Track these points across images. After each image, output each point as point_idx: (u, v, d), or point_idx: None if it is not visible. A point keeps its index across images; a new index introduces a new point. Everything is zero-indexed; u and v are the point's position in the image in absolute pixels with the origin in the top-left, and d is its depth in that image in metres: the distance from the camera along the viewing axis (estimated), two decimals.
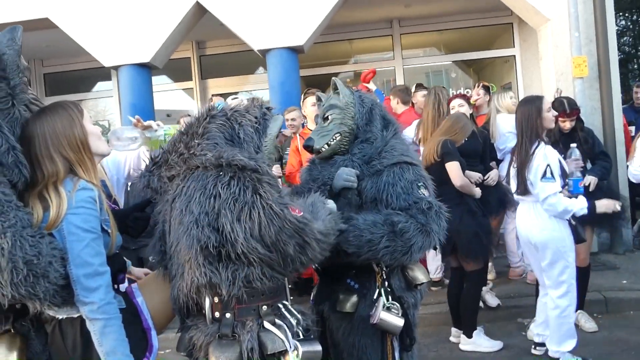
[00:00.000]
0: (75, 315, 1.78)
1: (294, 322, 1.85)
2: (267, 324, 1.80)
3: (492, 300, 4.54)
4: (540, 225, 3.36)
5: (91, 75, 8.52)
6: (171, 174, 1.88)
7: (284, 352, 1.77)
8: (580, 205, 3.28)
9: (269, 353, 1.75)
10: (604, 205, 3.36)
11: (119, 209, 2.23)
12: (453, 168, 3.71)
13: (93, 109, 9.07)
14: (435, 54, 8.86)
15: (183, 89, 8.77)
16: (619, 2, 6.16)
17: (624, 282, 4.85)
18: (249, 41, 6.22)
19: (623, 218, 4.25)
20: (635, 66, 12.38)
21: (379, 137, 2.35)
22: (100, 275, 1.72)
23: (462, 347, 3.97)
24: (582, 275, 3.81)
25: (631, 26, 12.06)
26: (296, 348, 1.80)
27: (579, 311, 3.96)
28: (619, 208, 3.42)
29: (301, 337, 1.85)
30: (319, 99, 2.60)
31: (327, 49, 8.16)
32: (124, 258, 2.04)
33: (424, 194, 2.26)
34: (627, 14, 12.62)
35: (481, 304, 4.29)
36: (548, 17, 5.96)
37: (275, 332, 1.78)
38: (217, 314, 1.79)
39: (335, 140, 2.35)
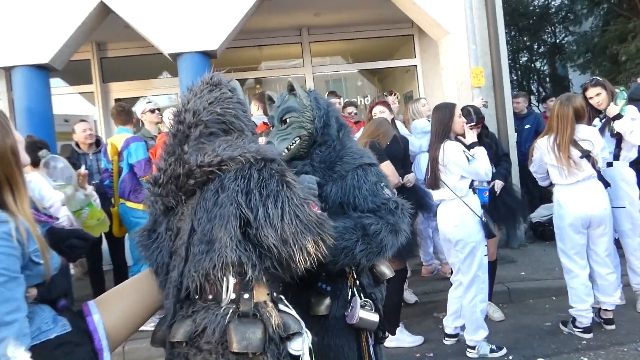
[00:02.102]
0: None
1: (294, 312, 1.87)
2: (282, 307, 1.82)
3: (410, 297, 4.78)
4: (453, 221, 3.68)
5: None
6: (192, 192, 1.85)
7: (295, 335, 1.79)
8: (485, 167, 3.69)
9: (290, 332, 1.76)
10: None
11: (55, 228, 2.04)
12: (388, 168, 3.89)
13: None
14: (342, 62, 9.13)
15: (82, 93, 8.24)
16: None
17: (523, 273, 5.34)
18: (159, 44, 6.01)
19: (524, 215, 4.68)
20: (515, 77, 13.63)
21: (336, 140, 2.37)
22: (6, 325, 1.45)
23: (386, 344, 4.10)
24: (491, 269, 4.13)
25: (510, 41, 13.23)
26: (307, 332, 1.83)
27: (488, 302, 4.30)
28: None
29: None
30: (270, 99, 2.57)
31: (237, 54, 8.10)
32: (66, 278, 1.88)
33: (388, 194, 2.29)
34: (506, 30, 13.82)
35: None
36: (448, 30, 6.40)
37: (292, 313, 1.81)
38: (233, 295, 1.75)
39: (295, 144, 2.33)
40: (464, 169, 3.64)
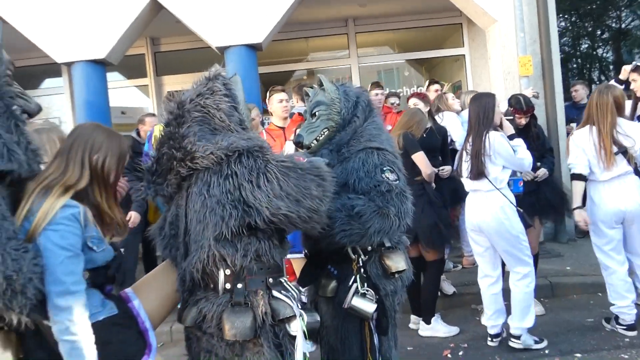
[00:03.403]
0: None
1: (295, 295, 1.99)
2: (275, 293, 1.93)
3: (448, 287, 4.77)
4: (493, 213, 3.58)
5: (39, 71, 8.27)
6: (181, 178, 1.97)
7: (291, 318, 1.92)
8: (527, 158, 3.64)
9: (280, 318, 1.88)
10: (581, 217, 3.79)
11: None
12: (420, 158, 3.90)
13: (45, 106, 8.81)
14: (389, 53, 9.08)
15: (137, 86, 8.63)
16: (559, 4, 6.51)
17: (568, 268, 5.20)
18: (207, 38, 6.21)
19: (567, 208, 4.54)
20: (575, 65, 13.08)
21: (356, 126, 2.46)
22: (72, 294, 1.70)
23: (421, 333, 4.17)
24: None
25: (570, 27, 12.71)
26: (302, 315, 1.96)
27: None
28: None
29: (301, 308, 2.00)
30: (306, 94, 2.71)
31: (283, 46, 8.23)
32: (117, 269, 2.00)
33: (387, 178, 2.33)
34: (566, 16, 13.28)
35: None
36: (495, 18, 6.25)
37: (284, 299, 1.92)
38: (228, 285, 1.90)
39: (323, 136, 2.48)
40: (509, 160, 3.58)
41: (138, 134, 5.81)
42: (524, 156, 3.60)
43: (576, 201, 3.84)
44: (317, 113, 2.51)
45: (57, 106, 8.50)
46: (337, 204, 2.21)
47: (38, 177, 1.82)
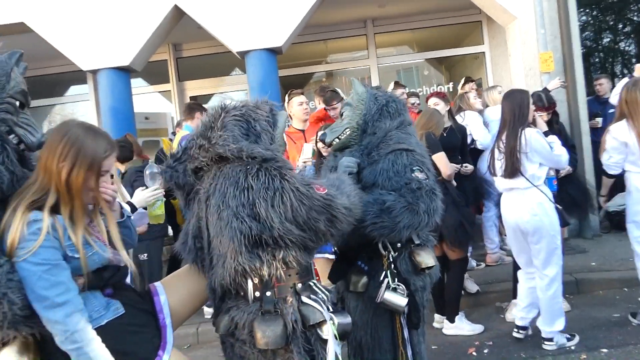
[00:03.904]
0: None
1: (325, 297, 2.02)
2: (305, 299, 1.96)
3: (471, 286, 4.77)
4: (532, 210, 3.55)
5: (64, 79, 8.49)
6: (194, 166, 2.01)
7: (322, 323, 1.94)
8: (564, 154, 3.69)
9: (310, 324, 1.91)
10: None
11: None
12: (440, 158, 3.92)
13: (66, 113, 9.05)
14: (408, 52, 9.09)
15: (160, 92, 8.80)
16: None
17: (593, 264, 5.16)
18: (228, 43, 6.32)
19: (591, 205, 4.52)
20: (597, 60, 12.90)
21: (384, 130, 2.52)
22: (59, 306, 1.68)
23: (445, 331, 4.18)
24: None
25: (592, 21, 12.56)
26: (332, 319, 1.97)
27: None
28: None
29: (332, 310, 2.02)
30: (334, 91, 2.79)
31: (303, 49, 8.30)
32: (115, 271, 1.95)
33: (417, 177, 2.40)
34: (587, 10, 13.11)
35: None
36: (515, 15, 6.23)
37: (314, 305, 1.95)
38: (257, 294, 1.92)
39: (345, 135, 2.58)
40: (546, 156, 3.56)
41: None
42: (560, 152, 3.60)
43: (604, 191, 4.09)
44: (343, 114, 2.64)
45: (83, 113, 8.71)
46: (369, 198, 2.28)
47: (18, 192, 1.81)
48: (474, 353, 3.80)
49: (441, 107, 4.50)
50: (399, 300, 2.34)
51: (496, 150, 3.69)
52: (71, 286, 1.74)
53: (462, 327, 4.15)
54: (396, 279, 2.42)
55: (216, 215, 1.88)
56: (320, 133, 2.74)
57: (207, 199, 1.95)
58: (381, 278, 2.43)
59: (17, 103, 1.88)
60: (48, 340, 1.80)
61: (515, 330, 3.90)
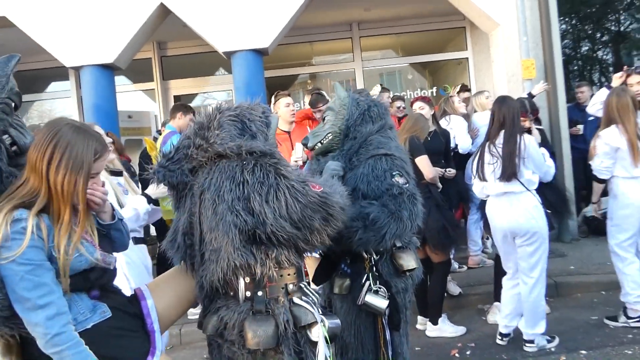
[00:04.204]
0: None
1: (315, 299, 2.03)
2: (296, 299, 1.96)
3: (454, 288, 4.84)
4: (528, 214, 3.60)
5: (45, 75, 8.36)
6: (192, 166, 1.99)
7: (312, 325, 1.94)
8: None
9: (301, 325, 1.91)
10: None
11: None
12: (423, 161, 3.97)
13: (44, 109, 8.93)
14: (393, 56, 9.17)
15: (144, 90, 8.72)
16: (559, 7, 6.58)
17: (572, 267, 5.28)
18: (214, 43, 6.30)
19: (569, 210, 4.62)
20: (576, 67, 13.17)
21: (365, 134, 2.55)
22: (41, 308, 1.64)
23: (428, 333, 4.23)
24: None
25: (571, 30, 12.82)
26: (323, 321, 1.97)
27: None
28: None
29: (321, 312, 2.02)
30: (320, 94, 2.82)
31: (288, 50, 8.31)
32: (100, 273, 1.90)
33: (397, 182, 2.43)
34: (566, 19, 13.36)
35: None
36: (498, 22, 6.34)
37: (305, 306, 1.95)
38: (248, 293, 1.91)
39: (327, 139, 2.60)
40: (538, 165, 3.63)
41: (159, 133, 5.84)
42: (550, 164, 3.71)
43: (595, 198, 4.24)
44: (325, 118, 2.67)
45: (63, 109, 8.60)
46: (353, 212, 2.29)
47: (8, 190, 1.78)
48: (457, 354, 3.85)
49: (426, 111, 4.56)
50: (380, 302, 2.38)
51: (487, 155, 3.70)
52: (54, 288, 1.70)
53: (444, 329, 4.20)
54: (377, 282, 2.46)
55: (211, 210, 1.87)
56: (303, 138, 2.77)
57: (201, 194, 1.93)
58: (363, 281, 2.46)
59: (13, 104, 1.88)
60: (30, 342, 1.75)
61: (499, 337, 3.92)
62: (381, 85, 6.29)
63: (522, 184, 3.62)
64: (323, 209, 1.87)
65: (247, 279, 1.91)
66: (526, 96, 5.24)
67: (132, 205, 2.97)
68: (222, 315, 1.93)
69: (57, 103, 8.74)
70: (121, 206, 2.96)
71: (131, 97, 8.57)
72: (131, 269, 2.97)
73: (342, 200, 2.00)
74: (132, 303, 2.02)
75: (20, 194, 1.73)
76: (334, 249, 2.34)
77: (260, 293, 1.92)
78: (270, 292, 1.93)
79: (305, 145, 2.68)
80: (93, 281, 1.84)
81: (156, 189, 2.87)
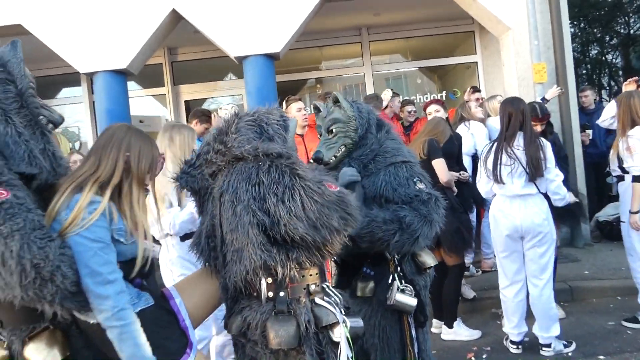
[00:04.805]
0: None
1: (338, 300, 2.04)
2: (318, 300, 1.97)
3: (468, 292, 4.83)
4: (542, 215, 3.62)
5: (57, 81, 8.42)
6: (212, 170, 2.02)
7: (334, 325, 1.95)
8: (569, 195, 3.76)
9: (323, 325, 1.92)
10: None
11: None
12: (440, 164, 3.98)
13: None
14: (402, 60, 9.18)
15: (154, 95, 8.77)
16: (569, 10, 6.58)
17: (586, 272, 5.25)
18: (226, 48, 6.33)
19: (583, 215, 4.61)
20: (584, 71, 13.13)
21: (374, 141, 2.59)
22: (110, 283, 1.77)
23: (443, 337, 4.23)
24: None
25: (579, 33, 12.79)
26: (345, 321, 1.98)
27: None
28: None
29: (344, 313, 2.03)
30: (316, 109, 2.82)
31: (299, 55, 8.33)
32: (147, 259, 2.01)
33: (421, 188, 2.50)
34: (575, 22, 13.33)
35: None
36: (509, 26, 6.34)
37: (327, 306, 1.96)
38: (270, 294, 1.93)
39: (341, 152, 2.61)
40: (549, 169, 3.61)
41: None
42: (559, 173, 3.67)
43: (636, 205, 3.91)
44: (334, 130, 2.63)
45: (76, 115, 8.66)
46: (385, 215, 2.35)
47: (72, 175, 1.91)
48: (473, 358, 3.85)
49: (441, 113, 4.57)
50: (410, 300, 2.43)
51: (504, 156, 3.67)
52: (117, 268, 1.83)
53: (460, 332, 4.19)
54: (402, 281, 2.50)
55: (230, 211, 1.89)
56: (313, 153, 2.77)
57: (220, 196, 1.96)
58: (389, 281, 2.50)
59: (32, 86, 2.00)
60: (74, 335, 1.86)
61: (513, 347, 3.88)
62: (392, 90, 6.30)
63: (536, 186, 3.63)
64: (341, 207, 1.86)
65: (269, 280, 1.92)
66: (539, 101, 5.23)
67: (189, 208, 3.08)
68: (246, 316, 1.96)
69: (69, 109, 8.77)
70: (180, 206, 3.16)
71: (142, 102, 8.62)
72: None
73: (356, 202, 2.02)
74: (164, 300, 2.08)
75: (95, 177, 1.89)
76: (357, 252, 2.36)
77: (282, 293, 1.93)
78: (292, 292, 1.95)
79: (318, 159, 2.63)
80: (140, 268, 1.94)
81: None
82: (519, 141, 3.64)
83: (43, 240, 1.68)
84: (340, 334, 1.96)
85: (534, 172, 3.57)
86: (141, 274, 1.97)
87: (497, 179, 3.70)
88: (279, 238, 1.85)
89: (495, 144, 3.78)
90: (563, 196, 3.67)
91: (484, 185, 3.88)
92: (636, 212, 3.90)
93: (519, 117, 3.66)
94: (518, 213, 3.66)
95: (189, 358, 1.92)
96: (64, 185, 1.87)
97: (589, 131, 6.55)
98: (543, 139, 3.67)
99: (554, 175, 3.62)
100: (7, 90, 1.89)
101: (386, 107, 5.99)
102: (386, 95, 6.05)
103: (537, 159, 3.56)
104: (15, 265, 1.61)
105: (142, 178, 1.97)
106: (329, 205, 1.84)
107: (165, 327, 1.92)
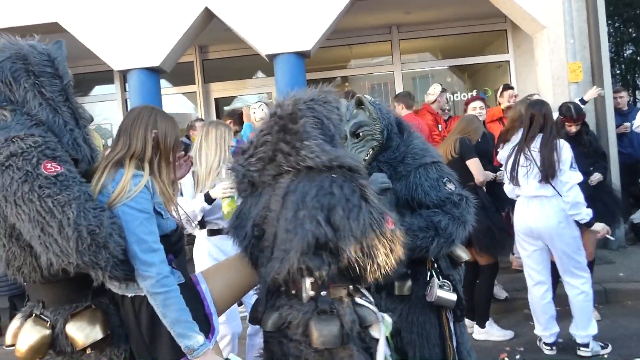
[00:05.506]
0: (142, 294, 1.89)
1: (371, 299, 2.05)
2: (358, 299, 1.98)
3: (500, 292, 4.78)
4: (558, 218, 3.59)
5: (91, 79, 8.60)
6: (277, 172, 1.98)
7: (374, 323, 1.97)
8: (587, 211, 3.56)
9: (367, 325, 1.94)
10: (600, 227, 3.65)
11: None
12: (474, 164, 3.95)
13: (93, 112, 9.15)
14: (432, 59, 9.11)
15: (185, 93, 8.90)
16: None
17: (621, 274, 5.16)
18: (257, 46, 6.38)
19: (624, 216, 4.51)
20: (618, 71, 12.86)
21: (399, 142, 2.57)
22: (155, 251, 1.86)
23: (475, 336, 4.19)
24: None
25: (613, 33, 12.52)
26: (383, 318, 2.00)
27: None
28: (611, 238, 3.84)
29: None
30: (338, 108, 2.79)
31: (328, 53, 8.35)
32: (177, 241, 2.11)
33: (451, 189, 2.49)
34: (609, 21, 13.08)
35: None
36: (544, 24, 6.24)
37: (368, 305, 1.98)
38: (312, 293, 1.92)
39: (369, 155, 2.56)
40: (563, 171, 3.56)
41: (188, 138, 6.04)
42: (574, 176, 3.55)
43: None
44: (361, 134, 2.57)
45: (108, 112, 8.83)
46: (420, 223, 2.36)
47: (107, 156, 1.99)
48: (506, 358, 3.81)
49: (484, 112, 4.52)
50: (450, 295, 2.43)
51: (522, 158, 3.69)
52: (159, 239, 1.91)
53: (492, 332, 4.16)
54: (440, 277, 2.50)
55: (292, 213, 1.87)
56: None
57: (285, 194, 1.94)
58: (427, 278, 2.50)
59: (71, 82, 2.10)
60: (112, 313, 1.95)
61: (547, 348, 3.85)
62: (440, 85, 6.23)
63: (554, 188, 3.58)
64: (389, 244, 1.87)
65: (312, 279, 1.92)
66: (575, 101, 5.13)
67: (192, 204, 3.12)
68: (285, 314, 1.95)
69: (101, 106, 8.96)
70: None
71: (173, 100, 8.75)
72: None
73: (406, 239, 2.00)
74: (192, 284, 2.12)
75: (130, 154, 1.98)
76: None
77: (324, 293, 1.93)
78: (334, 292, 1.95)
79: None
80: (173, 244, 2.03)
81: (218, 190, 2.99)
82: (537, 143, 3.64)
83: (96, 210, 1.77)
84: (379, 331, 1.97)
85: (546, 173, 3.54)
86: (173, 250, 2.05)
87: (514, 180, 3.73)
88: (332, 248, 1.85)
89: (517, 146, 3.79)
90: (573, 200, 3.52)
91: (507, 186, 3.91)
92: None
93: (539, 119, 3.65)
94: (533, 215, 3.68)
95: (210, 344, 1.95)
96: (102, 165, 1.96)
97: (628, 124, 6.38)
98: (562, 141, 3.60)
99: (567, 177, 3.53)
100: (54, 84, 1.99)
101: (434, 101, 5.98)
102: (435, 89, 6.02)
103: (550, 160, 3.53)
104: (72, 232, 1.69)
105: (169, 155, 2.06)
106: (382, 239, 1.84)
107: (192, 309, 1.95)
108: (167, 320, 1.85)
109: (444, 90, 6.04)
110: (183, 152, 2.37)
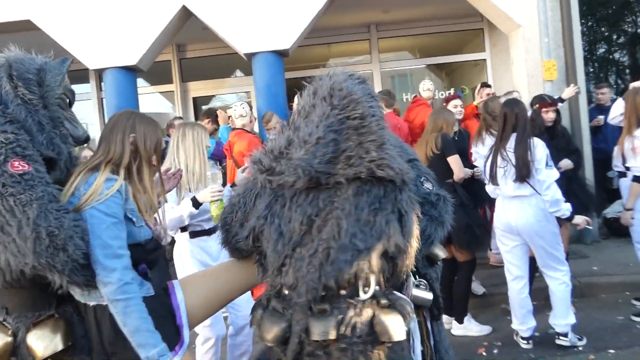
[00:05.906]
0: (105, 303, 1.84)
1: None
2: (397, 293, 2.01)
3: (478, 288, 4.84)
4: (537, 217, 3.66)
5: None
6: (337, 181, 1.80)
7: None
8: (567, 206, 3.62)
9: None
10: (580, 219, 3.69)
11: None
12: (455, 161, 3.99)
13: None
14: (410, 58, 9.17)
15: (162, 92, 8.80)
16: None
17: (595, 268, 5.26)
18: (235, 45, 6.35)
19: (597, 210, 4.62)
20: (592, 69, 13.11)
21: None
22: (119, 257, 1.82)
23: (454, 332, 4.24)
24: None
25: (587, 31, 12.75)
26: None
27: None
28: (590, 227, 3.90)
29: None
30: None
31: (307, 52, 8.35)
32: (151, 251, 2.04)
33: (429, 188, 2.46)
34: (582, 20, 13.32)
35: None
36: (519, 23, 6.33)
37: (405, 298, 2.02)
38: (377, 288, 1.86)
39: None
40: (540, 170, 3.60)
41: (169, 137, 5.98)
42: (550, 174, 3.58)
43: (630, 203, 4.07)
44: None
45: (84, 112, 8.68)
46: None
47: (85, 162, 1.98)
48: (484, 353, 3.86)
49: (459, 110, 4.60)
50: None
51: (499, 158, 3.73)
52: (126, 245, 1.88)
53: (470, 327, 4.21)
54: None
55: (335, 220, 1.77)
56: None
57: (356, 194, 1.81)
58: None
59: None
60: (75, 323, 1.91)
61: (524, 342, 3.91)
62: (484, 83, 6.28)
63: (532, 187, 3.64)
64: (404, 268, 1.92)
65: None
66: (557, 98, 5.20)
67: (179, 210, 3.09)
68: (341, 316, 1.80)
69: (76, 105, 8.76)
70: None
71: (150, 99, 8.65)
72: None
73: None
74: (165, 294, 2.06)
75: (106, 160, 1.97)
76: None
77: (377, 288, 1.87)
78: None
79: None
80: (147, 253, 1.99)
81: (205, 194, 3.01)
82: (512, 143, 3.68)
83: (59, 212, 1.75)
84: (415, 323, 2.08)
85: (521, 172, 3.59)
86: (147, 260, 1.99)
87: (493, 180, 3.78)
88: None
89: (494, 146, 3.83)
90: (552, 198, 3.56)
91: (488, 186, 3.96)
92: (629, 210, 4.10)
93: (512, 119, 3.69)
94: (513, 213, 3.74)
95: (176, 356, 1.91)
96: (79, 169, 1.95)
97: (601, 117, 6.49)
98: (535, 140, 3.64)
99: (544, 176, 3.57)
100: (32, 91, 1.98)
101: (431, 97, 6.10)
102: (429, 85, 6.07)
103: (524, 160, 3.58)
104: (30, 232, 1.67)
105: (150, 158, 2.05)
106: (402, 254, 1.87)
107: (159, 318, 1.90)
108: (127, 329, 1.81)
109: (485, 86, 6.07)
110: (170, 167, 2.35)
